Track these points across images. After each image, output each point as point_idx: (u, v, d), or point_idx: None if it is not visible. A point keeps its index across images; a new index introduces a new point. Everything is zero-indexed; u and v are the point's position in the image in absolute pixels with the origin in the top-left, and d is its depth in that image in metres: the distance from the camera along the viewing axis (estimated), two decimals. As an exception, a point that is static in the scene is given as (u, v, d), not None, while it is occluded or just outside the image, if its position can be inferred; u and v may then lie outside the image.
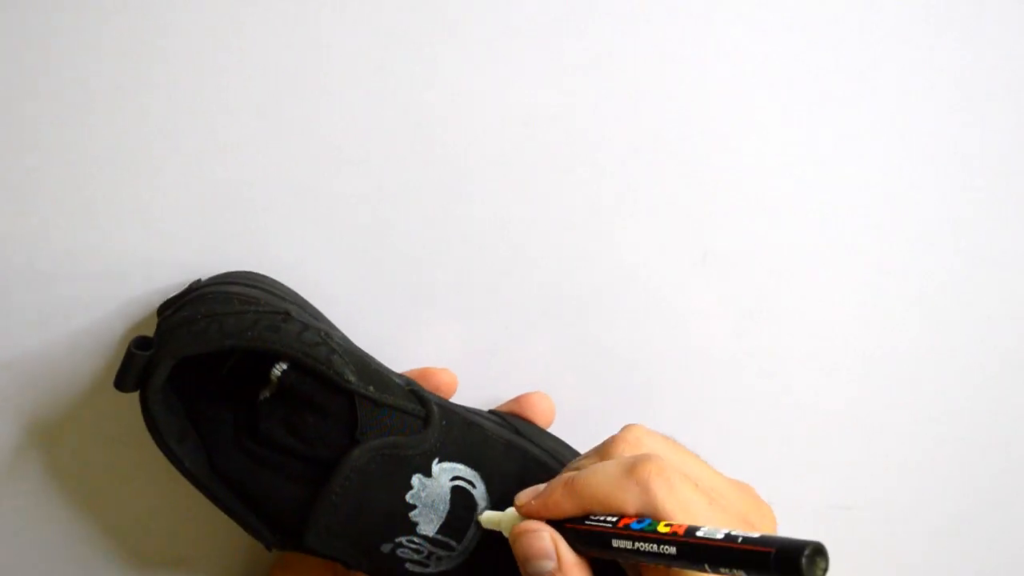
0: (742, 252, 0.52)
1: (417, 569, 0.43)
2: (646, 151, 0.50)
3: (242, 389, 0.45)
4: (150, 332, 0.45)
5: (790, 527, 0.58)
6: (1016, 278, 0.54)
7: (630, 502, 0.37)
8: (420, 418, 0.44)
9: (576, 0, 0.47)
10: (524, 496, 0.41)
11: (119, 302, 0.49)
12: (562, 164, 0.50)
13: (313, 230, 0.51)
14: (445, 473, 0.43)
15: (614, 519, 0.37)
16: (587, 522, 0.38)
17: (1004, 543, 0.60)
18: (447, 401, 0.46)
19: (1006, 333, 0.55)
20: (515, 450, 0.45)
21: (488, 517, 0.43)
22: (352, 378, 0.43)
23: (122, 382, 0.43)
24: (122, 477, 0.53)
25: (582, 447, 0.56)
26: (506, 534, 0.41)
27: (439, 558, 0.43)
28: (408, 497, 0.42)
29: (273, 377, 0.43)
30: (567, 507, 0.39)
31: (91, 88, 0.47)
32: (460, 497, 0.43)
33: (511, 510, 0.42)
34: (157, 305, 0.47)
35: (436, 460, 0.43)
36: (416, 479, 0.42)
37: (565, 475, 0.40)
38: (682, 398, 0.55)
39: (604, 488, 0.38)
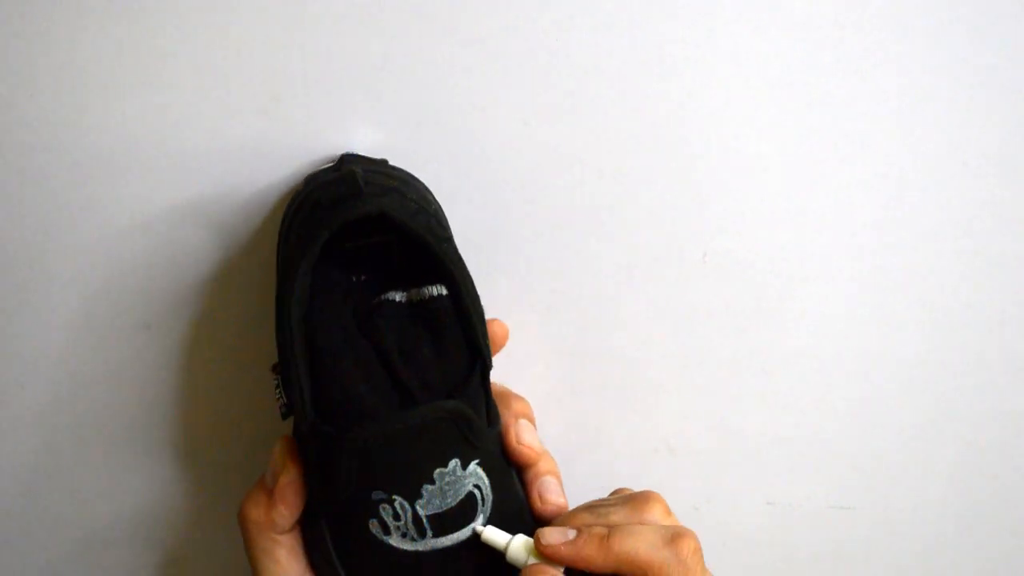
0: (742, 252, 0.52)
1: (377, 531, 0.42)
2: (646, 151, 0.50)
3: (372, 273, 0.45)
4: None
5: (790, 527, 0.59)
6: (1017, 278, 0.54)
7: (666, 573, 0.38)
8: (495, 415, 0.45)
9: (577, 0, 0.47)
10: (551, 537, 0.41)
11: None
12: (562, 164, 0.50)
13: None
14: (473, 477, 0.43)
15: None
16: None
17: (1003, 543, 0.60)
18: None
19: (1006, 334, 0.55)
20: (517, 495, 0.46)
21: (492, 536, 0.42)
22: (485, 347, 0.44)
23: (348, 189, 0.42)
24: (121, 476, 0.53)
25: (582, 447, 0.56)
26: (510, 559, 0.41)
27: (404, 535, 0.42)
28: (436, 473, 0.41)
29: (426, 294, 0.44)
30: (598, 562, 0.39)
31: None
32: (467, 502, 0.42)
33: (520, 539, 0.42)
34: None
35: (476, 461, 0.43)
36: (453, 463, 0.42)
37: (598, 529, 0.40)
38: (682, 398, 0.55)
39: (643, 553, 0.39)
